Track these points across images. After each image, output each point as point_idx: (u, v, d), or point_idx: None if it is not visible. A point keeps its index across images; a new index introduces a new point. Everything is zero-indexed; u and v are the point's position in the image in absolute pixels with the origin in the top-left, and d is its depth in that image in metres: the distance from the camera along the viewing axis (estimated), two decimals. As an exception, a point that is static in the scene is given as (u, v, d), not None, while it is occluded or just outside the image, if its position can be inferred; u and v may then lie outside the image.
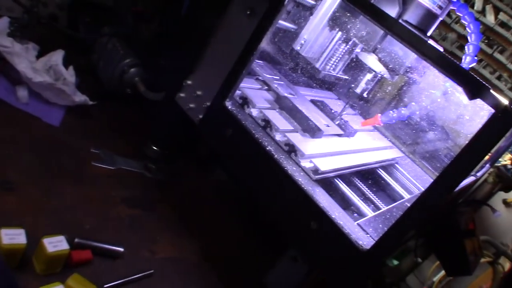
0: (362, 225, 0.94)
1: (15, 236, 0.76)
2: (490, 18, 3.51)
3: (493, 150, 1.45)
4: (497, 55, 3.48)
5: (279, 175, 0.93)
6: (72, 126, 1.15)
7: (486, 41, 3.49)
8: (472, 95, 0.75)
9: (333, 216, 0.87)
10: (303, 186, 0.90)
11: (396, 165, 1.40)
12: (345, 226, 0.87)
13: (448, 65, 0.78)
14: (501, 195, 3.65)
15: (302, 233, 0.91)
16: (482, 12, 3.51)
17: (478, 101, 0.76)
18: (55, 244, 0.79)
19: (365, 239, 0.88)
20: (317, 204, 0.88)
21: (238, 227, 1.23)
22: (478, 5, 3.53)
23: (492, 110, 0.73)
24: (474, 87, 0.75)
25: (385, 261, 1.56)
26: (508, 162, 3.22)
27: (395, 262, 1.91)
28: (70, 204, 0.95)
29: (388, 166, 1.38)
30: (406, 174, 1.38)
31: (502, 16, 3.45)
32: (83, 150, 1.11)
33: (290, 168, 0.94)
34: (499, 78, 3.48)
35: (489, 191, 3.42)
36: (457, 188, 0.91)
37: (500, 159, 3.19)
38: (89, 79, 1.27)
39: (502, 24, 3.47)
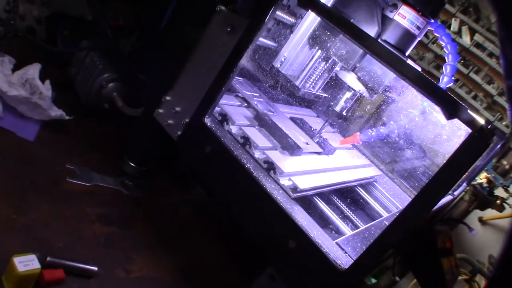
0: (341, 244, 0.93)
1: (-16, 255, 0.74)
2: (466, 39, 3.58)
3: (470, 169, 1.46)
4: (472, 75, 3.55)
5: (258, 193, 0.92)
6: (47, 141, 1.13)
7: (462, 61, 3.56)
8: (449, 115, 0.76)
9: (311, 235, 0.86)
10: (281, 204, 0.90)
11: (375, 183, 1.41)
12: (323, 245, 0.86)
13: (426, 85, 0.78)
14: (477, 213, 3.70)
15: (280, 251, 0.90)
16: (459, 33, 3.58)
17: (456, 121, 0.76)
18: (26, 263, 0.76)
19: (343, 258, 0.87)
20: (295, 223, 0.87)
21: (216, 244, 1.21)
22: (454, 26, 3.60)
23: (469, 130, 0.74)
24: (452, 107, 0.76)
25: (363, 280, 1.56)
26: (484, 180, 3.28)
27: (373, 281, 1.92)
28: (42, 221, 0.93)
29: (367, 184, 1.38)
30: (384, 193, 1.39)
31: (477, 37, 3.53)
32: (58, 166, 1.08)
33: (269, 186, 0.93)
34: (474, 97, 3.54)
35: (465, 209, 3.47)
36: (435, 207, 0.91)
37: (476, 178, 3.23)
38: (66, 93, 1.25)
39: (478, 45, 3.54)
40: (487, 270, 3.33)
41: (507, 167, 3.30)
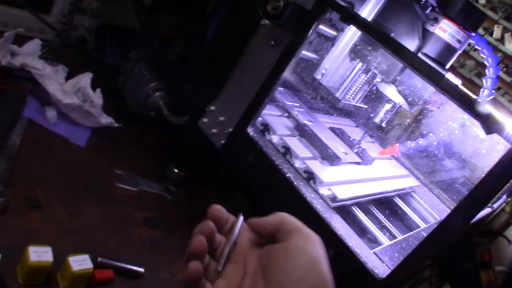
0: (378, 253, 0.95)
1: (43, 254, 0.79)
2: (509, 46, 3.51)
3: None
4: (516, 83, 3.47)
5: (298, 202, 0.95)
6: (97, 147, 1.19)
7: (504, 69, 3.49)
8: (488, 130, 0.77)
9: (349, 244, 0.89)
10: (321, 213, 0.92)
11: (413, 193, 1.41)
12: (361, 254, 0.88)
13: (464, 100, 0.80)
14: (519, 225, 3.59)
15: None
16: (501, 40, 3.52)
17: (495, 135, 0.78)
18: (80, 262, 0.81)
19: (381, 268, 0.89)
20: (334, 232, 0.90)
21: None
22: (497, 33, 3.54)
23: (509, 145, 0.75)
24: (490, 122, 0.77)
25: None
26: (526, 192, 3.19)
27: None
28: (93, 224, 0.98)
29: (405, 195, 1.39)
30: (422, 203, 1.39)
31: (521, 45, 3.45)
32: (107, 171, 1.14)
33: (309, 195, 0.96)
34: (518, 107, 3.47)
35: (506, 221, 3.39)
36: (473, 220, 0.92)
37: (517, 189, 3.15)
38: (115, 101, 1.31)
39: (521, 53, 3.47)
40: (528, 284, 3.24)
41: (551, 178, 3.20)
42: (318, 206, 0.93)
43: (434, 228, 0.80)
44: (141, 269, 0.93)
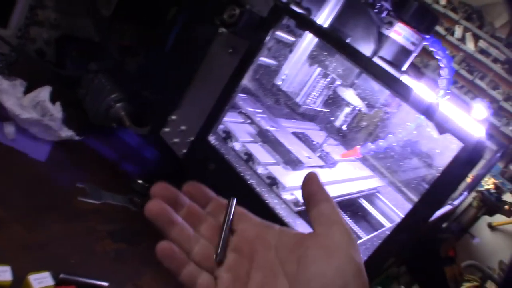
0: (343, 255, 0.96)
1: (1, 273, 0.77)
2: (470, 46, 3.60)
3: (468, 179, 1.49)
4: (477, 81, 3.57)
5: (261, 208, 0.95)
6: (58, 161, 1.17)
7: (466, 67, 3.58)
8: (441, 130, 0.79)
9: (313, 248, 0.89)
10: (284, 218, 0.93)
11: (378, 194, 1.44)
12: (325, 258, 0.89)
13: (417, 102, 0.82)
14: (486, 219, 3.70)
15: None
16: (462, 39, 3.61)
17: (448, 135, 0.80)
18: (41, 280, 0.80)
19: (345, 270, 0.90)
20: (298, 236, 0.91)
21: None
22: (458, 33, 3.63)
23: (461, 144, 0.77)
24: (443, 122, 0.79)
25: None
26: (492, 186, 3.28)
27: (381, 289, 1.93)
28: (55, 239, 0.97)
29: (370, 196, 1.41)
30: (387, 203, 1.41)
31: (482, 44, 3.55)
32: (69, 185, 1.12)
33: (272, 200, 0.96)
34: (480, 104, 3.55)
35: (474, 215, 3.47)
36: (433, 218, 0.94)
37: (483, 184, 3.24)
38: (76, 114, 1.29)
39: (482, 51, 3.57)
40: (497, 276, 3.32)
41: (514, 172, 3.29)
42: (281, 211, 0.94)
43: (393, 228, 0.82)
44: (105, 284, 0.92)
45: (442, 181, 0.78)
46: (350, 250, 0.48)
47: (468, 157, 0.76)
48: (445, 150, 1.12)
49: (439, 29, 3.68)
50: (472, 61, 3.72)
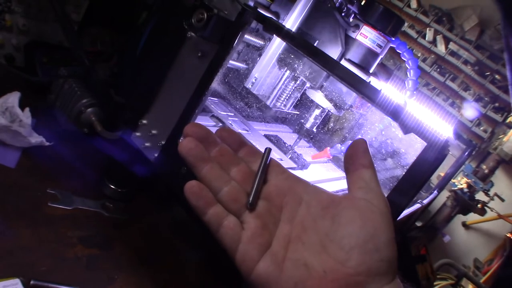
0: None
1: (-32, 281, 0.77)
2: (441, 48, 3.68)
3: (436, 178, 1.52)
4: (449, 82, 3.64)
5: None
6: (28, 167, 1.16)
7: (438, 69, 3.66)
8: (405, 130, 0.81)
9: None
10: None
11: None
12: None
13: (383, 103, 0.83)
14: (461, 218, 3.77)
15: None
16: (433, 42, 3.68)
17: (413, 134, 0.82)
18: (10, 287, 0.80)
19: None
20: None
21: (196, 263, 1.24)
22: (429, 35, 3.70)
23: (425, 143, 0.79)
24: (407, 122, 0.81)
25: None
26: (465, 185, 3.35)
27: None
28: (25, 246, 0.96)
29: (343, 196, 1.43)
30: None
31: (452, 46, 3.63)
32: (39, 191, 1.11)
33: (242, 203, 0.97)
34: (452, 104, 3.63)
35: (448, 214, 3.54)
36: (401, 217, 0.96)
37: (456, 183, 3.30)
38: (46, 119, 1.28)
39: (453, 53, 3.65)
40: (472, 274, 3.39)
41: (486, 171, 3.37)
42: (252, 213, 0.95)
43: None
44: (77, 289, 0.92)
45: (407, 180, 0.80)
46: (385, 219, 0.50)
47: (431, 155, 0.78)
48: (412, 149, 1.14)
49: (411, 32, 3.76)
50: (443, 63, 3.80)
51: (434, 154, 0.78)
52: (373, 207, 0.50)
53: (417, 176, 0.80)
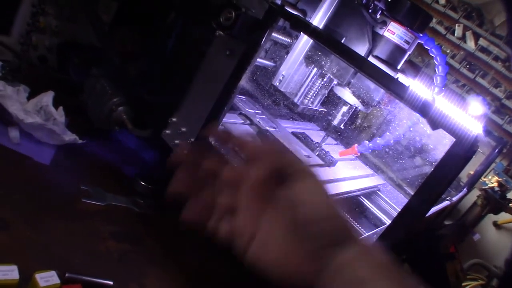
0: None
1: (8, 272, 0.79)
2: (470, 44, 3.62)
3: (466, 175, 1.51)
4: (479, 79, 3.58)
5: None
6: (62, 164, 1.19)
7: (467, 66, 3.60)
8: (434, 126, 0.81)
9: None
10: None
11: (378, 192, 1.45)
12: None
13: (411, 100, 0.83)
14: (492, 217, 3.70)
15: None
16: (463, 38, 3.62)
17: (441, 131, 0.81)
18: (47, 279, 0.82)
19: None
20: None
21: (224, 256, 1.25)
22: (458, 31, 3.65)
23: (453, 139, 0.79)
24: (436, 117, 0.81)
25: None
26: (495, 184, 3.28)
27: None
28: (60, 240, 0.99)
29: (370, 194, 1.43)
30: (388, 201, 1.43)
31: (482, 42, 3.56)
32: (73, 187, 1.14)
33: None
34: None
35: (478, 213, 3.48)
36: (430, 213, 0.95)
37: (487, 182, 3.24)
38: (79, 118, 1.32)
39: (483, 49, 3.58)
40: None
41: (518, 170, 3.29)
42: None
43: (387, 226, 0.83)
44: (110, 282, 0.94)
45: (435, 176, 0.80)
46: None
47: (460, 151, 0.78)
48: (441, 146, 1.14)
49: (439, 28, 3.70)
50: (473, 60, 3.73)
51: (463, 150, 0.78)
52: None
53: (446, 173, 0.80)
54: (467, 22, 3.62)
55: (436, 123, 0.81)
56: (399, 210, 0.85)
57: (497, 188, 3.24)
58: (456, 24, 3.66)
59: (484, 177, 3.23)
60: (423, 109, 0.83)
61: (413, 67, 1.25)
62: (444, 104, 1.33)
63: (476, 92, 3.58)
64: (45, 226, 1.00)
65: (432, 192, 0.81)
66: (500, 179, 3.23)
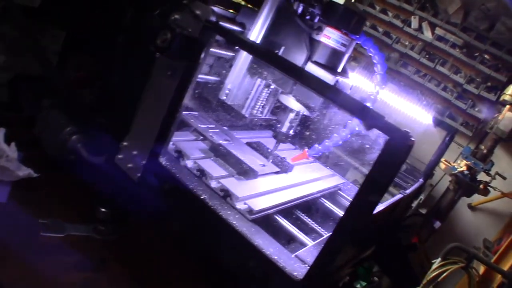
0: (300, 256, 1.00)
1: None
2: (427, 34, 3.69)
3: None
4: (439, 67, 3.64)
5: (215, 220, 0.99)
6: (19, 200, 1.19)
7: (427, 56, 3.66)
8: (368, 126, 0.84)
9: (267, 252, 0.93)
10: (237, 228, 0.97)
11: (339, 191, 1.48)
12: (280, 260, 0.93)
13: (346, 104, 0.86)
14: (466, 200, 3.76)
15: (244, 272, 0.97)
16: (419, 29, 3.69)
17: (375, 130, 0.84)
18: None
19: (301, 269, 0.94)
20: (251, 243, 0.94)
21: (192, 276, 1.25)
22: (414, 23, 3.71)
23: (387, 137, 0.81)
24: (369, 118, 0.83)
25: (352, 284, 1.61)
26: (464, 168, 3.35)
27: (363, 284, 1.97)
28: (21, 276, 0.99)
29: (331, 194, 1.45)
30: (349, 199, 1.45)
31: (438, 31, 3.63)
32: (31, 222, 1.14)
33: (225, 212, 1.00)
34: (444, 89, 3.63)
35: (452, 198, 3.53)
36: (382, 208, 0.98)
37: (456, 167, 3.31)
38: (34, 151, 1.31)
39: (440, 38, 3.65)
40: (482, 255, 3.38)
41: (485, 151, 3.35)
42: (234, 222, 0.98)
43: (336, 225, 0.86)
44: (73, 314, 0.95)
45: (376, 172, 0.83)
46: None
47: (394, 148, 0.80)
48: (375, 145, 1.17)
49: (396, 22, 3.77)
50: (432, 49, 3.80)
51: (396, 145, 0.80)
52: None
53: (385, 168, 0.82)
54: (422, 13, 3.69)
55: (369, 123, 0.83)
56: (346, 208, 0.87)
57: (466, 172, 3.29)
58: (412, 16, 3.73)
59: (454, 162, 3.28)
60: (356, 112, 0.85)
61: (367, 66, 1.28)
62: (389, 101, 1.37)
63: (438, 80, 3.64)
64: (6, 264, 1.00)
65: (375, 188, 0.83)
66: (468, 162, 3.29)
